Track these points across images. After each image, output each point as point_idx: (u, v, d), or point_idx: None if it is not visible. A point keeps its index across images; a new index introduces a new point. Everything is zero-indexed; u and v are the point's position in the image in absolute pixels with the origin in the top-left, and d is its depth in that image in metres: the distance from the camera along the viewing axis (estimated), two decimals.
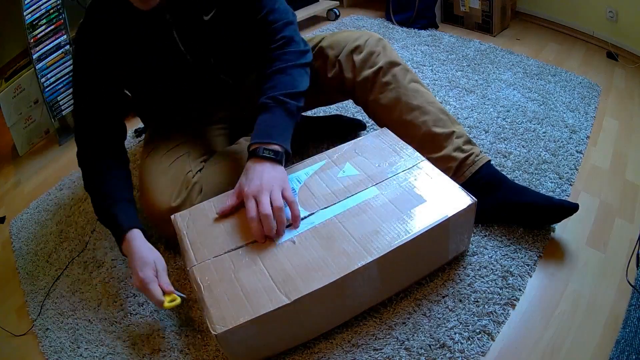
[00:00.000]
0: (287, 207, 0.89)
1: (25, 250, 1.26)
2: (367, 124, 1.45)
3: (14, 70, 1.76)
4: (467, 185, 0.99)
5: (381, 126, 1.13)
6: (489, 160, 1.07)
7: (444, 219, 0.86)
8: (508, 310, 0.90)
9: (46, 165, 1.65)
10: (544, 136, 1.35)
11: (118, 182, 1.02)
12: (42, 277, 1.15)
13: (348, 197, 0.94)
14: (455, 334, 0.86)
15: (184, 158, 1.10)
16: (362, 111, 1.21)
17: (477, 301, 0.91)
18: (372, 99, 1.12)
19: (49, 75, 1.65)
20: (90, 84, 1.00)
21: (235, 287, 0.80)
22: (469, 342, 0.84)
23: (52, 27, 1.64)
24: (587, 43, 1.96)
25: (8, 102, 1.65)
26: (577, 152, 1.29)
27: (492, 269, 0.97)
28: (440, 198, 0.90)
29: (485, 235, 1.05)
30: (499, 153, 1.30)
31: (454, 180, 0.96)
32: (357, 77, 1.11)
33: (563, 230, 1.05)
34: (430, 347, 0.84)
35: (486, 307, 0.90)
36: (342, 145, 1.08)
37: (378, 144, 1.06)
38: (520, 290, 0.93)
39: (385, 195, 0.93)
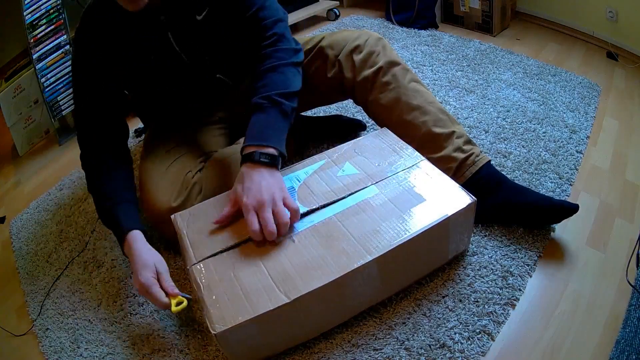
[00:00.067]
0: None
1: (25, 250, 1.26)
2: (367, 124, 1.45)
3: (14, 70, 1.76)
4: (467, 186, 0.99)
5: (381, 126, 1.13)
6: (489, 161, 1.07)
7: (444, 218, 0.86)
8: (508, 310, 0.90)
9: (46, 165, 1.65)
10: (544, 136, 1.35)
11: (120, 182, 1.01)
12: (42, 277, 1.15)
13: (347, 195, 0.93)
14: (455, 334, 0.86)
15: (183, 158, 1.10)
16: (362, 111, 1.21)
17: (477, 301, 0.91)
18: (372, 98, 1.12)
19: (49, 75, 1.66)
20: (89, 86, 1.00)
21: (235, 286, 0.80)
22: (469, 342, 0.84)
23: (52, 27, 1.64)
24: (587, 43, 1.96)
25: (8, 102, 1.65)
26: (577, 152, 1.29)
27: (492, 269, 0.97)
28: (440, 197, 0.90)
29: (485, 235, 1.05)
30: (499, 153, 1.30)
31: (454, 180, 0.95)
32: (357, 77, 1.11)
33: (563, 230, 1.05)
34: (430, 347, 0.84)
35: (486, 307, 0.90)
36: (342, 145, 1.08)
37: (378, 144, 1.06)
38: (520, 290, 0.93)
39: (385, 194, 0.93)
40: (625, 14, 1.78)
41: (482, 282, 0.95)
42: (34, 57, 1.61)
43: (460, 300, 0.92)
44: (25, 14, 1.56)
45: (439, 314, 0.90)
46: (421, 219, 0.87)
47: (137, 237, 0.92)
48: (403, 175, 0.97)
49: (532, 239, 1.03)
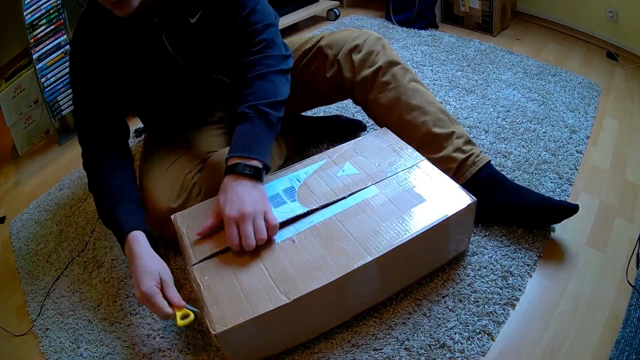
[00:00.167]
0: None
1: (25, 250, 1.26)
2: (367, 124, 1.45)
3: (14, 70, 1.76)
4: (468, 186, 0.99)
5: (381, 126, 1.13)
6: (489, 161, 1.07)
7: (444, 219, 0.86)
8: (508, 310, 0.90)
9: (46, 165, 1.65)
10: (544, 136, 1.35)
11: (121, 181, 0.99)
12: (42, 277, 1.15)
13: (347, 196, 0.93)
14: (455, 334, 0.86)
15: (182, 159, 1.09)
16: (362, 111, 1.21)
17: (477, 301, 0.91)
18: (371, 98, 1.11)
19: (49, 75, 1.66)
20: (88, 87, 1.00)
21: (235, 286, 0.80)
22: (469, 342, 0.84)
23: (52, 27, 1.64)
24: (587, 43, 1.96)
25: (8, 102, 1.65)
26: (577, 152, 1.29)
27: (492, 269, 0.97)
28: (440, 197, 0.90)
29: (485, 235, 1.05)
30: (499, 153, 1.30)
31: (454, 180, 0.95)
32: (356, 77, 1.11)
33: (563, 230, 1.05)
34: (430, 347, 0.84)
35: (486, 307, 0.90)
36: (342, 145, 1.08)
37: (378, 144, 1.06)
38: (520, 290, 0.93)
39: (385, 194, 0.93)
40: (625, 14, 1.78)
41: (482, 282, 0.95)
42: (34, 57, 1.61)
43: (460, 300, 0.92)
44: (25, 14, 1.56)
45: (439, 314, 0.90)
46: (421, 219, 0.87)
47: (138, 239, 0.89)
48: (403, 175, 0.97)
49: (532, 239, 1.03)
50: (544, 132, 1.37)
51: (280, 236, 0.88)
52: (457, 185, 0.93)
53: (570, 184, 1.18)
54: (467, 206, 0.89)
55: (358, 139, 1.09)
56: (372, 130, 1.43)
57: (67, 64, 1.68)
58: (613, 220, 1.08)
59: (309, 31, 2.37)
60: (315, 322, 0.86)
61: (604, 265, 0.98)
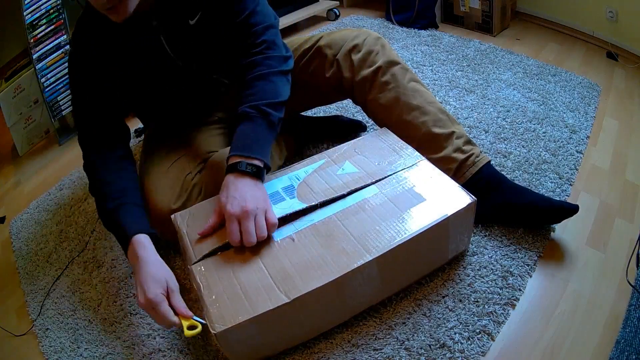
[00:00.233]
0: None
1: (25, 250, 1.26)
2: (367, 124, 1.45)
3: (14, 70, 1.76)
4: (467, 186, 0.99)
5: (381, 126, 1.13)
6: (489, 161, 1.07)
7: (444, 218, 0.86)
8: (508, 310, 0.90)
9: (46, 165, 1.65)
10: (544, 136, 1.35)
11: (124, 183, 0.98)
12: (42, 277, 1.15)
13: (347, 193, 0.94)
14: (455, 334, 0.86)
15: (182, 160, 1.09)
16: (362, 111, 1.21)
17: (477, 301, 0.91)
18: (371, 98, 1.11)
19: (49, 75, 1.66)
20: (87, 89, 0.99)
21: (235, 285, 0.80)
22: (469, 342, 0.84)
23: (52, 27, 1.64)
24: (587, 43, 1.96)
25: (8, 102, 1.65)
26: (577, 152, 1.29)
27: (492, 269, 0.97)
28: (440, 197, 0.90)
29: (485, 235, 1.05)
30: (499, 153, 1.30)
31: (454, 180, 0.95)
32: (355, 77, 1.11)
33: (563, 230, 1.05)
34: (430, 347, 0.84)
35: (486, 307, 0.90)
36: (342, 144, 1.08)
37: (378, 144, 1.06)
38: (520, 290, 0.93)
39: (384, 193, 0.93)
40: (625, 14, 1.78)
41: (482, 282, 0.95)
42: (34, 57, 1.61)
43: (460, 300, 0.92)
44: (25, 14, 1.56)
45: (439, 314, 0.90)
46: (421, 218, 0.87)
47: (143, 243, 0.86)
48: (403, 174, 0.97)
49: (532, 239, 1.03)
50: (544, 132, 1.37)
51: (280, 235, 0.88)
52: (457, 184, 0.93)
53: (570, 184, 1.18)
54: (467, 206, 0.89)
55: (358, 138, 1.09)
56: (372, 130, 1.43)
57: (67, 64, 1.68)
58: (613, 220, 1.08)
59: (309, 31, 2.37)
60: (315, 322, 0.86)
61: (604, 265, 0.98)
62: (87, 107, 1.01)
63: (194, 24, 0.98)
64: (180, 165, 1.08)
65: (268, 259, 0.84)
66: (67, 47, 1.68)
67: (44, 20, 1.61)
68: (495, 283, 0.94)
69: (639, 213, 1.10)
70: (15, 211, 1.43)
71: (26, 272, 1.18)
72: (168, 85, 1.06)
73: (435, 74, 1.75)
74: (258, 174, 0.89)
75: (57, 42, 1.65)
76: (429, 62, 1.84)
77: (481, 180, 1.04)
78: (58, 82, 1.68)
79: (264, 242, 0.86)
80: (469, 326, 0.87)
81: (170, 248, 1.13)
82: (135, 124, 1.66)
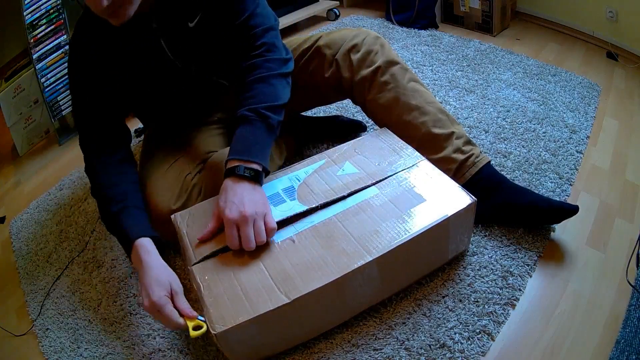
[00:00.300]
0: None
1: (25, 250, 1.26)
2: (367, 124, 1.45)
3: (14, 70, 1.76)
4: (467, 187, 0.99)
5: (380, 126, 1.13)
6: (489, 161, 1.07)
7: (444, 219, 0.86)
8: (508, 310, 0.90)
9: (46, 165, 1.65)
10: (544, 136, 1.35)
11: (126, 187, 0.97)
12: (42, 277, 1.15)
13: (347, 195, 0.94)
14: (455, 334, 0.86)
15: (182, 160, 1.09)
16: (362, 111, 1.21)
17: (477, 301, 0.91)
18: (370, 98, 1.11)
19: (49, 75, 1.66)
20: (87, 90, 0.99)
21: (235, 286, 0.80)
22: (469, 342, 0.84)
23: (52, 27, 1.64)
24: (587, 43, 1.96)
25: (8, 102, 1.65)
26: (577, 152, 1.29)
27: (492, 269, 0.97)
28: (440, 197, 0.90)
29: (485, 235, 1.05)
30: (499, 153, 1.30)
31: (454, 181, 0.95)
32: (354, 77, 1.10)
33: (563, 230, 1.05)
34: (430, 347, 0.84)
35: (486, 307, 0.90)
36: (342, 145, 1.08)
37: (378, 144, 1.06)
38: (520, 290, 0.93)
39: (384, 194, 0.93)
40: (625, 14, 1.78)
41: (482, 282, 0.95)
42: (34, 57, 1.61)
43: (460, 300, 0.92)
44: (25, 14, 1.56)
45: (439, 314, 0.90)
46: (421, 219, 0.87)
47: (146, 247, 0.86)
48: (403, 175, 0.97)
49: (532, 239, 1.03)
50: (544, 132, 1.37)
51: (280, 236, 0.88)
52: (457, 185, 0.93)
53: (570, 184, 1.18)
54: (467, 206, 0.89)
55: (358, 138, 1.09)
56: (372, 130, 1.43)
57: (67, 67, 1.68)
58: (613, 220, 1.08)
59: (309, 31, 2.37)
60: (315, 322, 0.86)
61: (604, 265, 0.98)
62: (88, 109, 1.00)
63: (194, 26, 0.98)
64: (179, 166, 1.08)
65: (268, 260, 0.84)
66: (67, 47, 1.68)
67: (44, 20, 1.61)
68: (495, 283, 0.94)
69: (639, 213, 1.10)
70: (15, 211, 1.43)
71: (26, 272, 1.18)
72: (168, 87, 1.05)
73: (435, 74, 1.75)
74: (256, 178, 0.89)
75: (57, 42, 1.65)
76: (429, 62, 1.84)
77: (481, 181, 1.04)
78: (58, 82, 1.68)
79: (265, 245, 0.86)
80: (469, 326, 0.87)
81: (170, 248, 1.13)
82: (135, 124, 1.66)
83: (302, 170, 1.02)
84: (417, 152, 1.02)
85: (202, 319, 0.81)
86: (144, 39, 0.96)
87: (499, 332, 0.86)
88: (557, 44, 1.97)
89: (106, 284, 1.09)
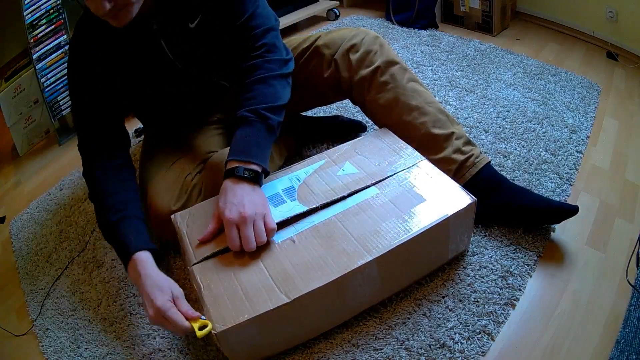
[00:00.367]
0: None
1: (25, 250, 1.26)
2: (367, 125, 1.45)
3: (14, 70, 1.76)
4: (467, 187, 0.98)
5: (380, 126, 1.13)
6: (489, 162, 1.06)
7: (444, 218, 0.86)
8: (508, 310, 0.90)
9: (46, 165, 1.65)
10: (544, 136, 1.35)
11: (126, 195, 0.95)
12: (42, 277, 1.15)
13: (347, 195, 0.93)
14: (455, 334, 0.86)
15: (182, 160, 1.09)
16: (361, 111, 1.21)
17: (477, 301, 0.91)
18: (369, 99, 1.11)
19: (49, 75, 1.66)
20: (87, 92, 0.98)
21: (235, 286, 0.80)
22: (469, 342, 0.84)
23: (52, 27, 1.64)
24: (587, 43, 1.96)
25: (8, 102, 1.65)
26: (577, 152, 1.29)
27: (492, 269, 0.97)
28: (440, 197, 0.90)
29: (485, 235, 1.05)
30: (499, 153, 1.30)
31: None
32: (353, 77, 1.10)
33: (563, 230, 1.05)
34: (430, 347, 0.84)
35: (486, 307, 0.90)
36: (342, 145, 1.08)
37: (378, 144, 1.06)
38: (520, 290, 0.93)
39: (385, 194, 0.93)
40: (625, 14, 1.78)
41: (482, 282, 0.95)
42: (34, 57, 1.61)
43: (460, 300, 0.92)
44: (25, 14, 1.56)
45: (439, 314, 0.90)
46: (421, 219, 0.87)
47: (144, 261, 0.85)
48: (403, 175, 0.97)
49: (532, 239, 1.03)
50: (544, 132, 1.37)
51: (281, 236, 0.88)
52: (457, 185, 0.93)
53: (570, 184, 1.18)
54: (467, 206, 0.89)
55: (358, 139, 1.09)
56: (372, 130, 1.43)
57: (67, 68, 1.68)
58: (613, 220, 1.08)
59: (309, 31, 2.37)
60: (315, 322, 0.86)
61: (604, 265, 0.98)
62: (87, 111, 0.99)
63: (194, 27, 0.98)
64: (180, 166, 1.08)
65: (269, 260, 0.84)
66: (67, 47, 1.68)
67: (44, 20, 1.61)
68: (495, 283, 0.94)
69: (639, 213, 1.10)
70: (15, 211, 1.43)
71: (26, 272, 1.18)
72: (168, 87, 1.05)
73: (435, 74, 1.75)
74: (256, 179, 0.89)
75: (57, 42, 1.65)
76: (429, 62, 1.84)
77: (481, 181, 1.04)
78: (58, 82, 1.68)
79: (265, 245, 0.86)
80: (469, 326, 0.87)
81: (170, 248, 1.13)
82: (135, 124, 1.66)
83: (302, 171, 1.02)
84: (417, 152, 1.02)
85: (205, 318, 0.80)
86: (144, 39, 0.96)
87: (499, 332, 0.86)
88: (557, 44, 1.97)
89: (106, 284, 1.09)
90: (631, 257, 0.97)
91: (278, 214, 0.90)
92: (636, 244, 0.98)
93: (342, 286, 0.81)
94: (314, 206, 0.92)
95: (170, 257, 1.11)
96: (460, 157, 1.04)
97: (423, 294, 0.94)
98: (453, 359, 0.82)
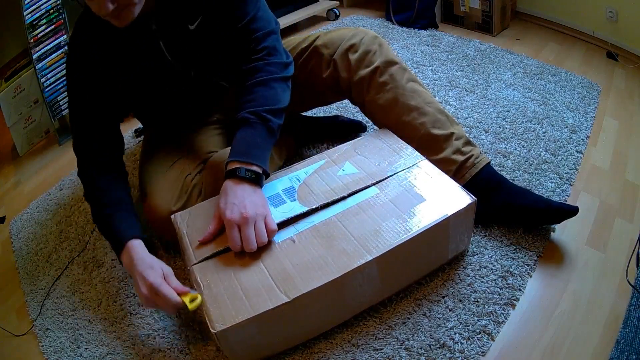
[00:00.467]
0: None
1: (25, 250, 1.26)
2: (367, 125, 1.44)
3: (14, 70, 1.76)
4: (467, 188, 0.98)
5: (379, 127, 1.13)
6: (489, 162, 1.06)
7: (444, 218, 0.86)
8: (508, 310, 0.90)
9: (46, 165, 1.65)
10: (544, 136, 1.35)
11: (120, 194, 0.98)
12: (42, 277, 1.15)
13: (348, 195, 0.93)
14: (455, 334, 0.86)
15: (182, 161, 1.09)
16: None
17: (477, 301, 0.91)
18: (369, 99, 1.11)
19: (49, 75, 1.66)
20: (85, 93, 0.98)
21: (235, 285, 0.80)
22: (469, 342, 0.84)
23: (52, 27, 1.64)
24: (587, 43, 1.96)
25: (8, 102, 1.65)
26: (577, 152, 1.29)
27: (492, 269, 0.97)
28: (440, 197, 0.90)
29: (485, 235, 1.05)
30: (499, 153, 1.30)
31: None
32: (353, 77, 1.10)
33: (563, 230, 1.05)
34: (430, 347, 0.84)
35: (486, 307, 0.90)
36: (342, 145, 1.08)
37: (378, 144, 1.06)
38: (520, 290, 0.93)
39: (385, 194, 0.93)
40: (625, 14, 1.78)
41: (482, 282, 0.95)
42: (34, 57, 1.61)
43: (460, 300, 0.92)
44: (25, 14, 1.56)
45: (439, 314, 0.90)
46: (421, 218, 0.87)
47: (136, 248, 0.88)
48: (403, 175, 0.97)
49: (532, 239, 1.03)
50: (544, 132, 1.37)
51: (281, 236, 0.88)
52: (457, 184, 0.93)
53: (570, 184, 1.18)
54: (467, 206, 0.89)
55: (358, 139, 1.09)
56: (372, 130, 1.43)
57: (65, 68, 1.68)
58: (613, 220, 1.08)
59: (309, 31, 2.37)
60: (315, 322, 0.86)
61: (604, 265, 0.98)
62: (85, 112, 0.99)
63: (194, 29, 0.98)
64: (179, 167, 1.08)
65: (269, 260, 0.84)
66: (67, 47, 1.68)
67: (44, 20, 1.61)
68: (495, 283, 0.94)
69: (639, 213, 1.10)
70: (15, 211, 1.43)
71: (26, 272, 1.18)
72: (167, 88, 1.05)
73: (435, 74, 1.75)
74: (257, 180, 0.89)
75: (57, 42, 1.66)
76: (429, 62, 1.84)
77: (481, 182, 1.04)
78: (58, 82, 1.68)
79: (265, 245, 0.86)
80: (469, 326, 0.87)
81: (170, 248, 1.13)
82: (134, 124, 1.66)
83: (302, 171, 1.02)
84: (417, 152, 1.02)
85: (194, 291, 0.82)
86: (143, 40, 0.96)
87: (499, 332, 0.86)
88: (557, 44, 1.97)
89: (106, 284, 1.09)
90: (631, 257, 0.97)
91: (278, 214, 0.90)
92: (636, 244, 0.98)
93: (342, 286, 0.81)
94: (314, 206, 0.92)
95: (171, 256, 1.11)
96: (460, 158, 1.04)
97: (423, 294, 0.94)
98: (453, 359, 0.82)
